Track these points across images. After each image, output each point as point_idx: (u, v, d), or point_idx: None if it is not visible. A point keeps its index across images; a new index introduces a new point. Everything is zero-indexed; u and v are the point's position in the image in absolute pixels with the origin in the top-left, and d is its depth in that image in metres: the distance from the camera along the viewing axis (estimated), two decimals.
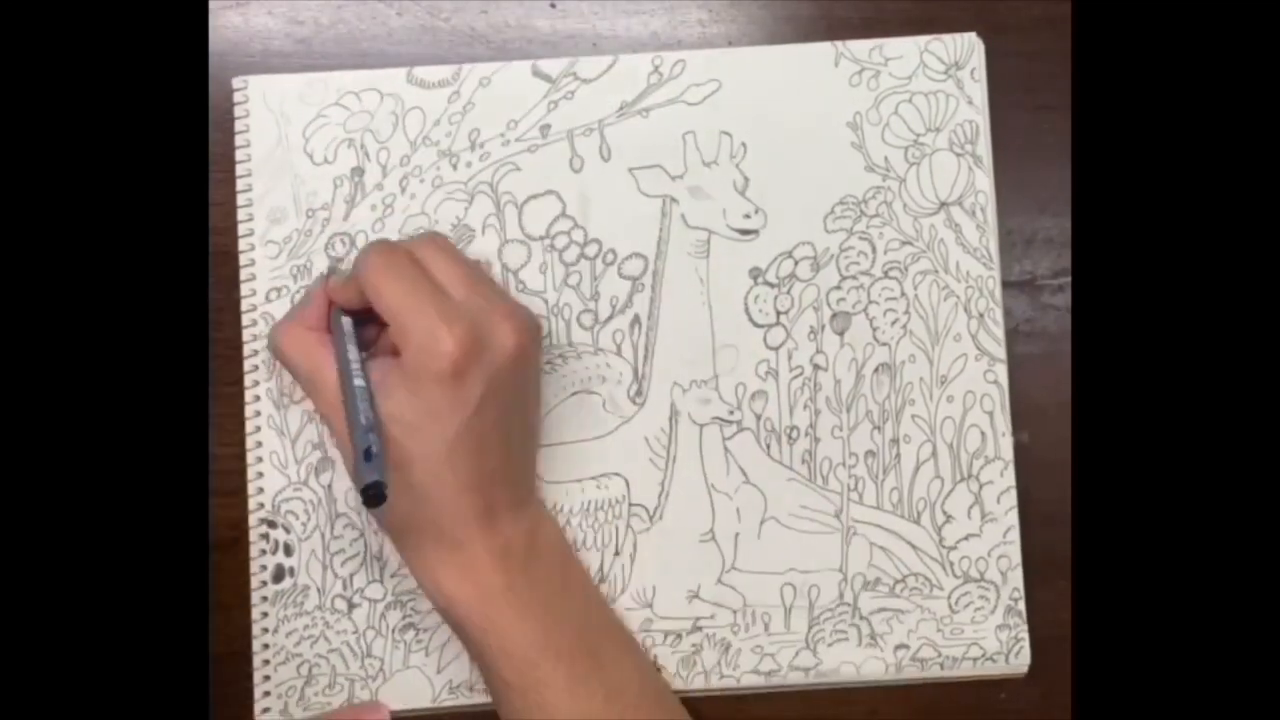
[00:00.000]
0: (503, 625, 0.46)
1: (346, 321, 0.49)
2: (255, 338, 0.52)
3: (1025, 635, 0.52)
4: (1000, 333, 0.53)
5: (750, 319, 0.53)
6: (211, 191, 0.53)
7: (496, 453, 0.47)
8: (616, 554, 0.52)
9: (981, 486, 0.53)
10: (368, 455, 0.44)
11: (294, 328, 0.49)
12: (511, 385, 0.47)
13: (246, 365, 0.52)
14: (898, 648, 0.52)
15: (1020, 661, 0.52)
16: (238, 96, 0.53)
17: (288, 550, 0.52)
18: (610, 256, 0.53)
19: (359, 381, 0.46)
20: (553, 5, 0.54)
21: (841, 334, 0.53)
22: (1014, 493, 0.53)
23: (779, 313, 0.53)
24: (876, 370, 0.53)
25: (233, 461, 0.52)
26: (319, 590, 0.52)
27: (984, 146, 0.53)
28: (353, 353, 0.47)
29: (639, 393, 0.53)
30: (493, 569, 0.47)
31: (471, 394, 0.45)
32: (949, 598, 0.52)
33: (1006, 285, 0.54)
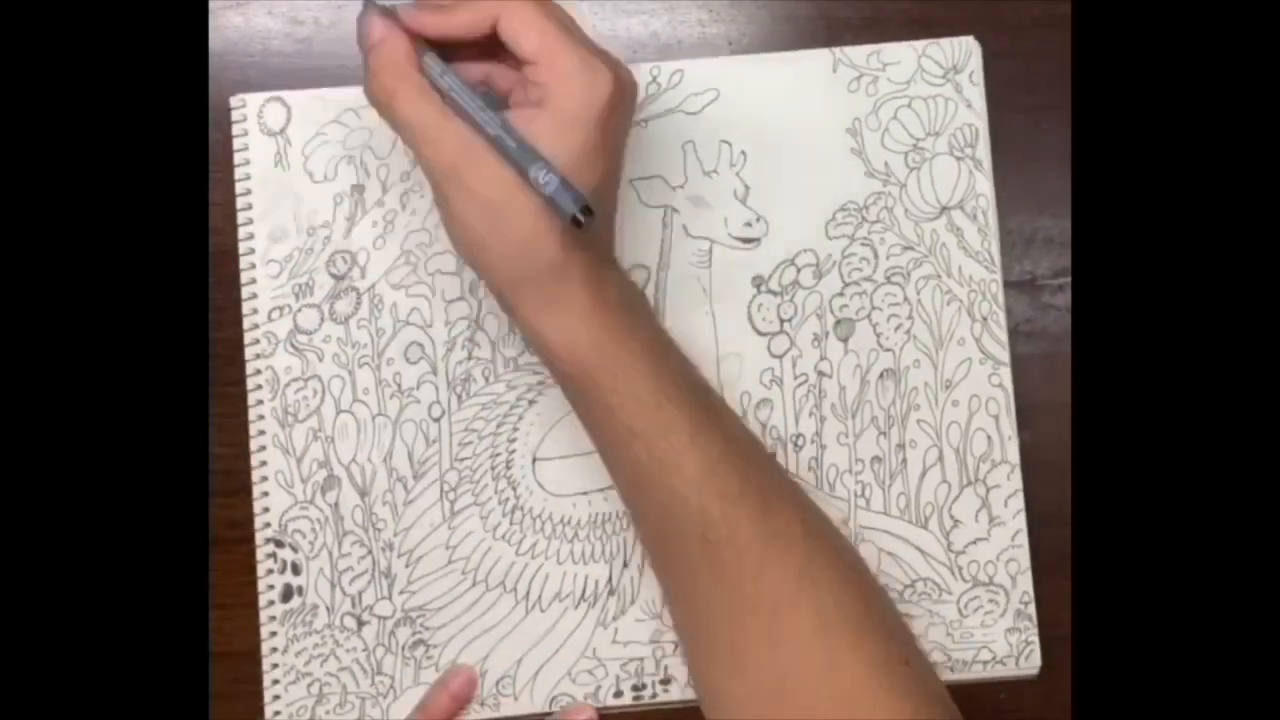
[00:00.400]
0: (630, 370, 0.46)
1: (438, 60, 0.44)
2: (258, 356, 0.52)
3: (1035, 638, 0.52)
4: (1004, 336, 0.53)
5: (754, 327, 0.53)
6: (211, 191, 0.53)
7: (613, 195, 0.47)
8: (625, 565, 0.52)
9: (989, 490, 0.52)
10: (563, 184, 0.42)
11: (396, 70, 0.44)
12: (628, 133, 0.47)
13: (250, 384, 0.52)
14: None
15: (1030, 664, 0.52)
16: (235, 115, 0.53)
17: (295, 569, 0.52)
18: None
19: (507, 127, 0.43)
20: None
21: (845, 340, 0.53)
22: (1021, 496, 0.52)
23: (782, 320, 0.53)
24: (881, 376, 0.53)
25: (233, 461, 0.52)
26: (328, 609, 0.52)
27: (984, 150, 0.53)
28: (480, 101, 0.44)
29: None
30: (615, 311, 0.46)
31: (618, 138, 0.45)
32: (958, 602, 0.52)
33: (1007, 285, 0.53)
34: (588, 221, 0.42)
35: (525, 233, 0.43)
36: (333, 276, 0.52)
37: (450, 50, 0.45)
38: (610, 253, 0.49)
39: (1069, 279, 0.54)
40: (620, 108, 0.44)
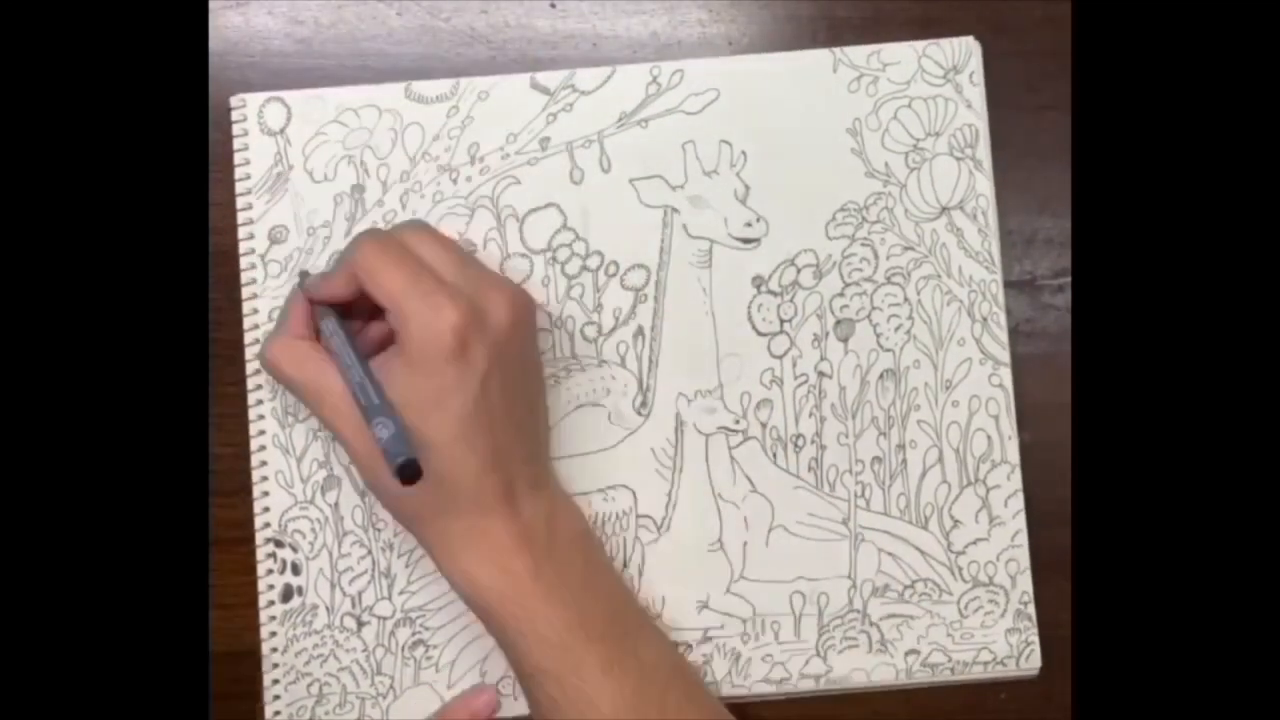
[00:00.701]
0: (533, 610, 0.46)
1: (332, 320, 0.48)
2: (258, 356, 0.52)
3: (1035, 638, 0.52)
4: (1004, 336, 0.53)
5: (754, 328, 0.53)
6: (211, 191, 0.53)
7: (509, 429, 0.47)
8: (625, 566, 0.52)
9: (989, 490, 0.53)
10: (393, 438, 0.43)
11: (282, 340, 0.48)
12: (513, 357, 0.47)
13: (250, 384, 0.52)
14: (908, 653, 0.52)
15: (1031, 665, 0.52)
16: (235, 115, 0.53)
17: (295, 569, 0.52)
18: (612, 268, 0.53)
19: (361, 375, 0.46)
20: (553, 5, 0.54)
21: (845, 341, 0.53)
22: (1021, 496, 0.52)
23: (782, 321, 0.53)
24: (881, 376, 0.53)
25: (233, 461, 0.52)
26: (328, 609, 0.52)
27: (984, 150, 0.53)
28: (348, 346, 0.47)
29: (644, 404, 0.53)
30: (517, 552, 0.46)
31: (477, 368, 0.45)
32: (958, 602, 0.52)
33: (1006, 285, 0.54)
34: (410, 479, 0.43)
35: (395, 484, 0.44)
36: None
37: (367, 310, 0.48)
38: (542, 474, 0.49)
39: (1069, 279, 0.54)
40: (474, 337, 0.45)
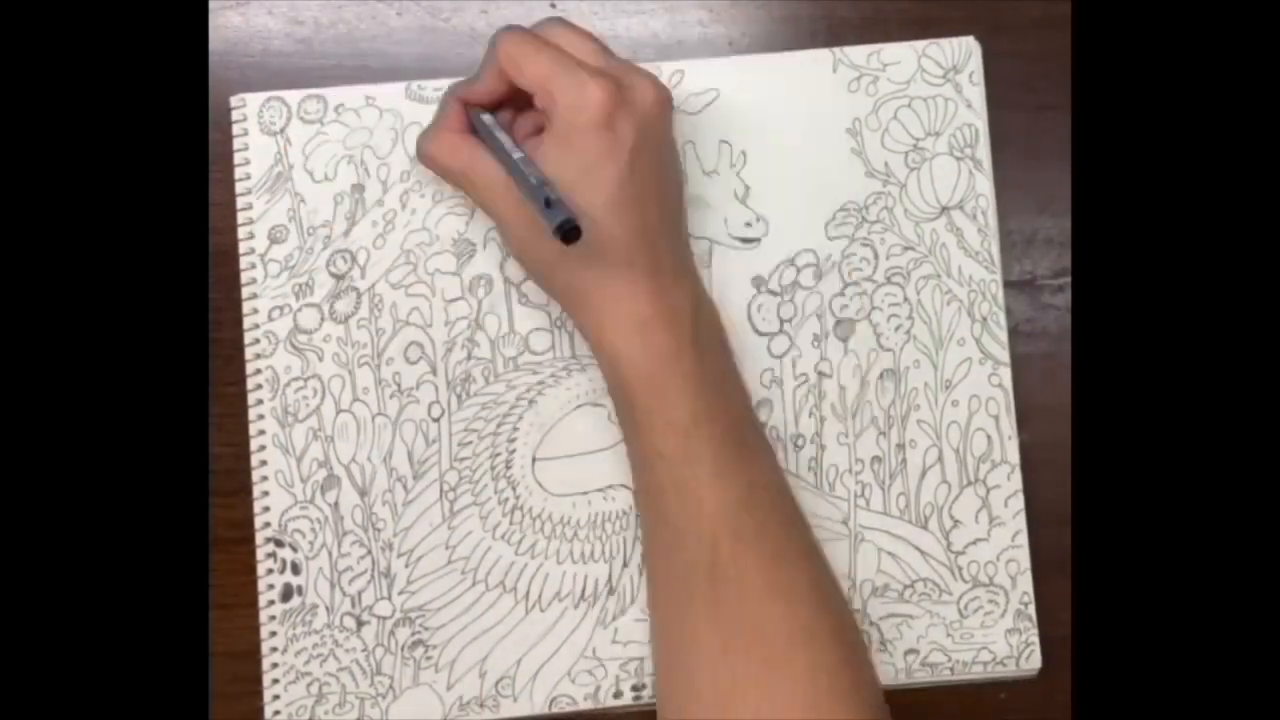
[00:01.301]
0: (666, 392, 0.47)
1: (485, 115, 0.49)
2: (258, 356, 0.52)
3: (1035, 639, 0.52)
4: (1004, 336, 0.53)
5: (754, 327, 0.53)
6: (211, 191, 0.53)
7: (655, 206, 0.47)
8: (625, 565, 0.52)
9: (989, 490, 0.52)
10: (548, 202, 0.44)
11: (440, 133, 0.50)
12: (658, 139, 0.48)
13: (250, 384, 0.52)
14: (907, 653, 0.52)
15: (1031, 665, 0.52)
16: (235, 115, 0.53)
17: (295, 569, 0.52)
18: None
19: (519, 153, 0.47)
20: (553, 5, 0.54)
21: (845, 341, 0.53)
22: (1021, 496, 0.52)
23: (782, 321, 0.53)
24: (881, 376, 0.53)
25: (233, 461, 0.52)
26: (327, 608, 0.52)
27: (984, 150, 0.53)
28: (503, 132, 0.48)
29: None
30: (662, 329, 0.47)
31: (624, 142, 0.46)
32: (958, 602, 0.52)
33: (1006, 285, 0.54)
34: (575, 235, 0.43)
35: (555, 248, 0.45)
36: (333, 276, 0.52)
37: (521, 102, 0.49)
38: (686, 262, 0.50)
39: (1069, 279, 0.54)
40: (620, 112, 0.46)
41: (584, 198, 0.46)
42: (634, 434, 0.48)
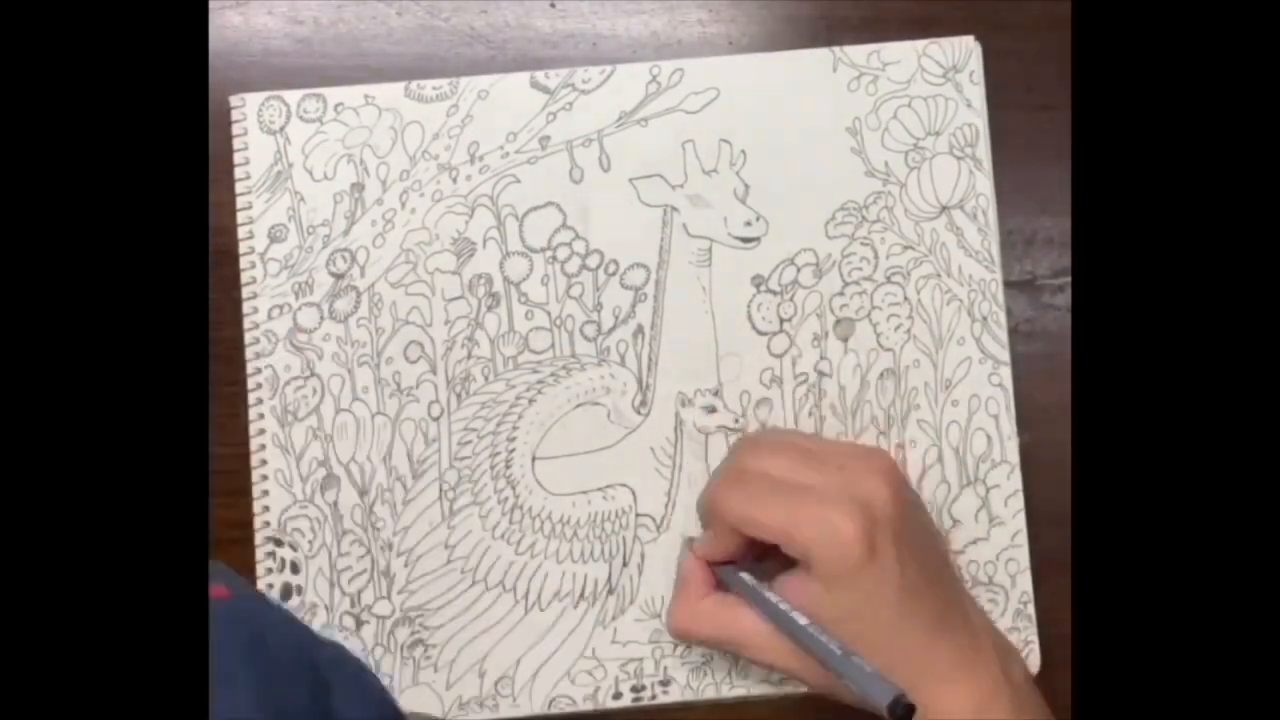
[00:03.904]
0: None
1: (744, 575, 0.49)
2: (258, 355, 0.52)
3: (1035, 638, 0.52)
4: (1004, 335, 0.53)
5: (753, 327, 0.53)
6: (211, 191, 0.53)
7: (936, 596, 0.47)
8: (624, 565, 0.52)
9: (988, 490, 0.52)
10: (871, 676, 0.43)
11: (687, 604, 0.50)
12: (911, 528, 0.47)
13: (250, 384, 0.52)
14: None
15: (1030, 665, 0.52)
16: (235, 115, 0.53)
17: (294, 568, 0.52)
18: (612, 267, 0.53)
19: (802, 620, 0.46)
20: (552, 5, 0.54)
21: (845, 340, 0.53)
22: (1021, 496, 0.52)
23: (782, 320, 0.53)
24: (881, 376, 0.53)
25: (233, 461, 0.52)
26: (327, 608, 0.52)
27: (984, 149, 0.53)
28: (761, 588, 0.47)
29: (643, 403, 0.53)
30: (998, 706, 0.46)
31: (890, 562, 0.45)
32: None
33: (1006, 285, 0.53)
34: (909, 713, 0.42)
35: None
36: (332, 275, 0.52)
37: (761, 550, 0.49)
38: (983, 629, 0.49)
39: (1069, 279, 0.54)
40: (875, 533, 0.45)
41: (876, 629, 0.45)
42: None
